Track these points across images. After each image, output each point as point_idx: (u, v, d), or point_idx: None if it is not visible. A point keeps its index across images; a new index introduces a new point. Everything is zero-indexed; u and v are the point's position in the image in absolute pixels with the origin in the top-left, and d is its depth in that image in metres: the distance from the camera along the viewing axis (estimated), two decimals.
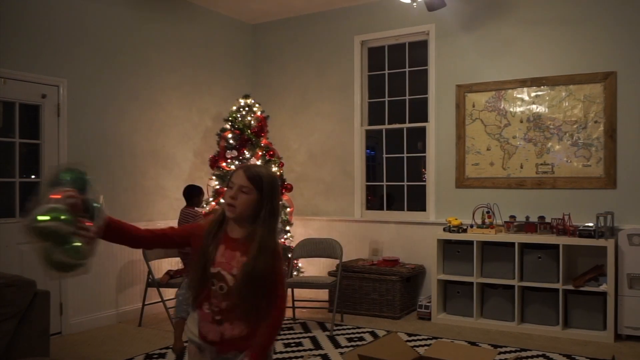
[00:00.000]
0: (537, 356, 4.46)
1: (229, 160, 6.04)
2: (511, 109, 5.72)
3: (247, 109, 6.23)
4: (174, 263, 6.17)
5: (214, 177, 6.13)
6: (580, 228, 5.03)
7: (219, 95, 6.89)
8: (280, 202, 5.99)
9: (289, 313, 5.84)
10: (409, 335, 5.07)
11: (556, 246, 5.11)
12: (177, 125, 6.35)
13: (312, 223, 6.79)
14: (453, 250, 5.60)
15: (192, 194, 5.68)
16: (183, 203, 6.43)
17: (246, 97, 6.33)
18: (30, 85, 4.91)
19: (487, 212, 5.52)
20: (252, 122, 6.19)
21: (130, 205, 5.77)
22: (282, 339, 4.98)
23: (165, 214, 6.15)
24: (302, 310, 5.99)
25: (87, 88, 5.37)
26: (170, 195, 6.22)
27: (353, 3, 6.56)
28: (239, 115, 6.18)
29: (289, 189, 6.26)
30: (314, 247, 5.74)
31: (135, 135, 5.85)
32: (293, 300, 5.86)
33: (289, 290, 5.67)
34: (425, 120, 6.24)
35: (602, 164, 5.32)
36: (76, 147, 5.26)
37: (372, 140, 6.83)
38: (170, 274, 5.52)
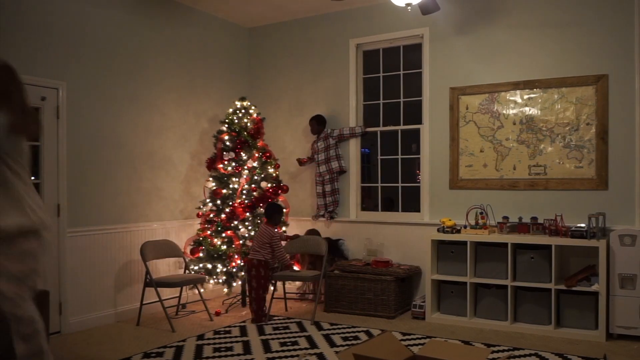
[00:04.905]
0: (530, 355, 4.51)
1: (225, 162, 6.10)
2: (504, 111, 5.79)
3: (243, 111, 6.29)
4: (171, 263, 6.23)
5: (210, 179, 6.18)
6: (573, 229, 5.09)
7: (216, 98, 6.95)
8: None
9: (283, 311, 5.91)
10: (404, 334, 5.13)
11: (549, 247, 5.17)
12: (174, 127, 6.40)
13: (307, 224, 6.85)
14: (447, 251, 5.66)
15: (272, 211, 5.78)
16: (180, 204, 6.50)
17: (242, 99, 6.39)
18: (30, 88, 4.86)
19: (481, 213, 5.58)
20: (249, 124, 6.25)
21: (127, 206, 5.82)
22: (278, 338, 5.04)
23: (162, 215, 6.21)
24: (298, 308, 6.06)
25: (86, 91, 5.42)
26: (167, 196, 6.27)
27: (348, 7, 6.63)
28: (235, 118, 6.24)
29: (285, 190, 6.32)
30: (302, 244, 6.12)
31: (133, 137, 5.90)
32: (285, 293, 5.98)
33: (280, 284, 6.13)
34: (420, 122, 6.31)
35: (593, 166, 5.39)
36: (75, 148, 5.32)
37: (367, 142, 6.90)
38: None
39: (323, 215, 6.68)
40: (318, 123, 6.66)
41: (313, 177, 6.80)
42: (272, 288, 6.00)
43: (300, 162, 6.80)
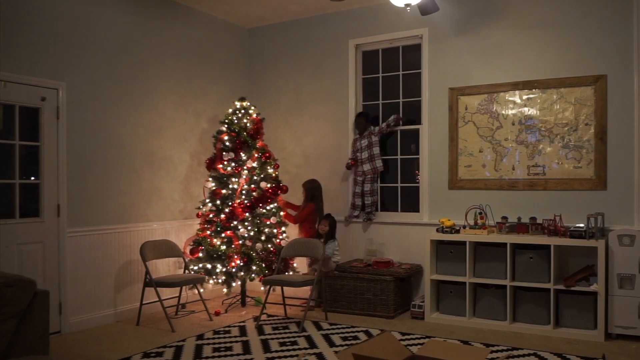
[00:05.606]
0: (529, 355, 4.53)
1: (225, 162, 6.11)
2: (503, 112, 5.80)
3: (243, 111, 6.30)
4: (171, 263, 6.24)
5: (210, 179, 6.19)
6: (571, 229, 5.10)
7: (215, 98, 6.95)
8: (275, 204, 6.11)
9: (280, 311, 5.92)
10: (403, 334, 5.14)
11: (547, 247, 5.19)
12: (174, 127, 6.41)
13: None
14: (446, 251, 5.67)
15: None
16: (180, 204, 6.50)
17: (242, 99, 6.40)
18: (30, 88, 4.97)
19: (480, 213, 5.59)
20: (248, 124, 6.26)
21: (127, 206, 5.83)
22: (277, 338, 5.05)
23: (161, 215, 6.21)
24: (296, 307, 6.07)
25: (85, 91, 5.43)
26: (167, 196, 6.27)
27: (348, 7, 6.64)
28: (235, 118, 6.25)
29: (284, 190, 6.33)
30: (301, 247, 5.97)
31: (132, 137, 5.91)
32: (283, 298, 5.98)
33: (279, 288, 6.02)
34: (419, 122, 6.32)
35: (592, 166, 5.40)
36: (75, 149, 5.33)
37: None
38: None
39: (358, 216, 6.55)
40: (366, 120, 6.47)
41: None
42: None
43: (349, 165, 6.54)
